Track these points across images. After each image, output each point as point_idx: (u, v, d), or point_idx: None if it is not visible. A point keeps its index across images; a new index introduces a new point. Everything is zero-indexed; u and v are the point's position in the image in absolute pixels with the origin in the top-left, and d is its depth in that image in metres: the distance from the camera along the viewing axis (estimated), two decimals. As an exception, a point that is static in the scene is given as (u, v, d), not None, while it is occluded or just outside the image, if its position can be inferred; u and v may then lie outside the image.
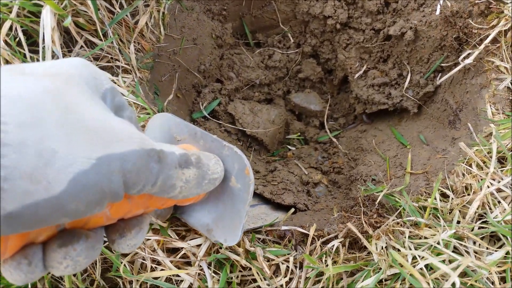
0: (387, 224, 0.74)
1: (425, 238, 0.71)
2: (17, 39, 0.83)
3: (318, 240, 0.79)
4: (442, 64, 0.99)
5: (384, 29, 1.08)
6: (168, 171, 0.40)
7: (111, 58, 0.88)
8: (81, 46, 0.87)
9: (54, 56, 0.82)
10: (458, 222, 0.72)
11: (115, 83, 0.89)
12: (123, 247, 0.42)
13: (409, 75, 1.05)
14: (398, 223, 0.74)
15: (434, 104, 1.03)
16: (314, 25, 1.17)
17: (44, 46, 0.81)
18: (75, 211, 0.31)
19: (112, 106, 0.40)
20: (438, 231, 0.73)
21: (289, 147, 1.23)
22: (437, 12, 0.93)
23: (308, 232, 0.80)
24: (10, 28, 0.82)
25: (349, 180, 1.01)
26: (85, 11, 0.85)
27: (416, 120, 1.07)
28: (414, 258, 0.69)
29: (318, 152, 1.18)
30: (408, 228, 0.72)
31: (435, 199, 0.78)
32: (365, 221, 0.77)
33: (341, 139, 1.18)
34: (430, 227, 0.75)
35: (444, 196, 0.82)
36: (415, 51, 1.02)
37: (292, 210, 0.87)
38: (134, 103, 0.88)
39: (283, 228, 0.83)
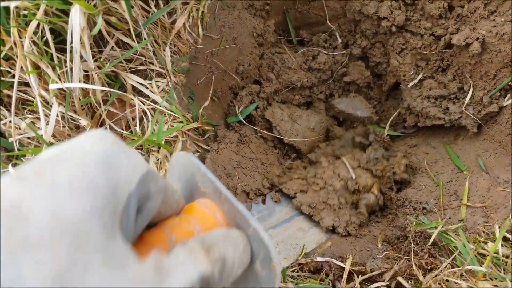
0: (441, 271, 0.69)
1: (485, 293, 0.65)
2: (45, 38, 0.79)
3: (359, 277, 0.75)
4: (511, 83, 0.90)
5: (445, 36, 0.99)
6: None
7: (145, 61, 0.84)
8: (112, 47, 0.83)
9: (82, 58, 0.79)
10: (524, 278, 0.66)
11: (147, 88, 0.85)
12: None
13: (471, 90, 0.97)
14: (453, 272, 0.68)
15: (497, 125, 0.95)
16: (366, 25, 1.09)
17: (72, 47, 0.77)
18: None
19: (138, 202, 0.35)
20: (496, 285, 0.68)
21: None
22: (514, 26, 0.84)
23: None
24: (38, 26, 0.78)
25: (395, 204, 0.95)
26: (117, 9, 0.81)
27: (474, 141, 0.99)
28: (470, 315, 0.64)
29: (371, 150, 1.07)
30: (465, 279, 0.67)
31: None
32: (415, 263, 0.72)
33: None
34: (490, 278, 0.69)
35: (505, 239, 0.76)
36: (480, 64, 0.94)
37: (329, 244, 0.82)
38: (167, 111, 0.84)
39: (319, 259, 0.79)
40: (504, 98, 0.93)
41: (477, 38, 0.91)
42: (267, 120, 1.09)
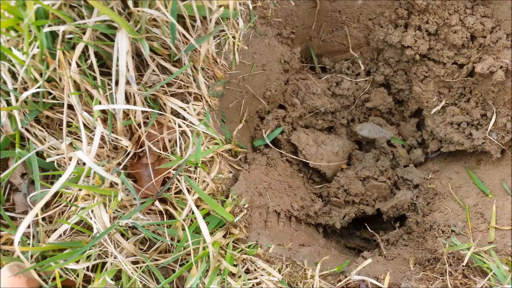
0: (479, 291, 0.72)
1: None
2: (89, 61, 0.84)
3: (395, 297, 0.78)
4: (535, 109, 0.96)
5: (468, 65, 1.05)
6: None
7: (184, 85, 0.89)
8: (153, 70, 0.88)
9: (127, 82, 0.83)
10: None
11: (185, 110, 0.89)
12: None
13: (494, 116, 1.02)
14: (491, 291, 0.72)
15: (521, 150, 1.00)
16: (389, 53, 1.15)
17: (118, 69, 0.82)
18: None
19: None
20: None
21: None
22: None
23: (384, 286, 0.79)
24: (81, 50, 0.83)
25: (422, 227, 0.99)
26: (156, 34, 0.85)
27: (497, 166, 1.04)
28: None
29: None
30: (504, 299, 0.70)
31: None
32: (450, 283, 0.75)
33: (410, 174, 1.16)
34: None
35: (537, 260, 0.79)
36: (503, 91, 0.99)
37: (369, 261, 0.85)
38: (203, 132, 0.88)
39: (355, 278, 0.82)
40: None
41: (501, 67, 0.97)
42: (293, 144, 1.13)
